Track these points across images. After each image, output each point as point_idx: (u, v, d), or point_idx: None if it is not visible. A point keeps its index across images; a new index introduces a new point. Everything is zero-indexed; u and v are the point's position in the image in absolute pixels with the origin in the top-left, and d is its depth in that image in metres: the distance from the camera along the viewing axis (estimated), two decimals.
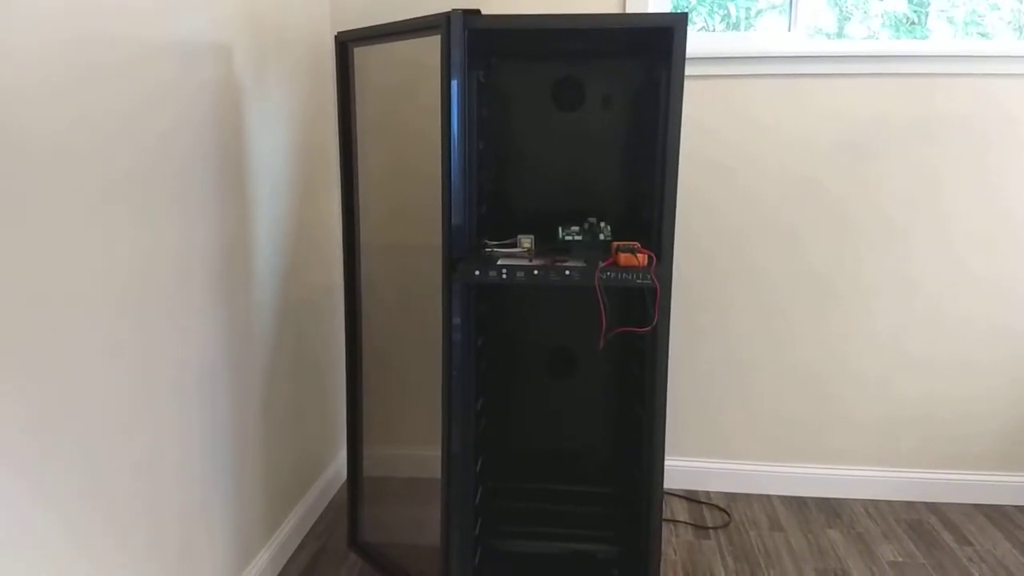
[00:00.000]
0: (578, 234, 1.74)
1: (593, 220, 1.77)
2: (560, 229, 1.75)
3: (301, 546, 2.40)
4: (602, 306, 1.58)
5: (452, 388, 1.73)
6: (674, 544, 2.42)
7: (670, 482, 2.79)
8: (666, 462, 2.72)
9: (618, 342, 2.04)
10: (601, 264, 1.59)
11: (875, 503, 2.70)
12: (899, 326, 2.62)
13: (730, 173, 2.57)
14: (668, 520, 2.57)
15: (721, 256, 2.63)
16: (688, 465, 2.78)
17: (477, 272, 1.59)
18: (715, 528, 2.53)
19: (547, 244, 1.79)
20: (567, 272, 1.58)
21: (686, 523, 2.56)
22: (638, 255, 1.56)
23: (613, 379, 2.12)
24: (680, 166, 2.51)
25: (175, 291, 1.63)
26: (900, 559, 2.34)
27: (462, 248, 1.69)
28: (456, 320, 1.70)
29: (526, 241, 1.79)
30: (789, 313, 2.65)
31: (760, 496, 2.75)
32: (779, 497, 2.74)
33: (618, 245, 1.62)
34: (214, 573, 1.86)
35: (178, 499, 1.69)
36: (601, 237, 1.73)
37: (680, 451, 2.78)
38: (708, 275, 2.65)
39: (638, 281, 1.56)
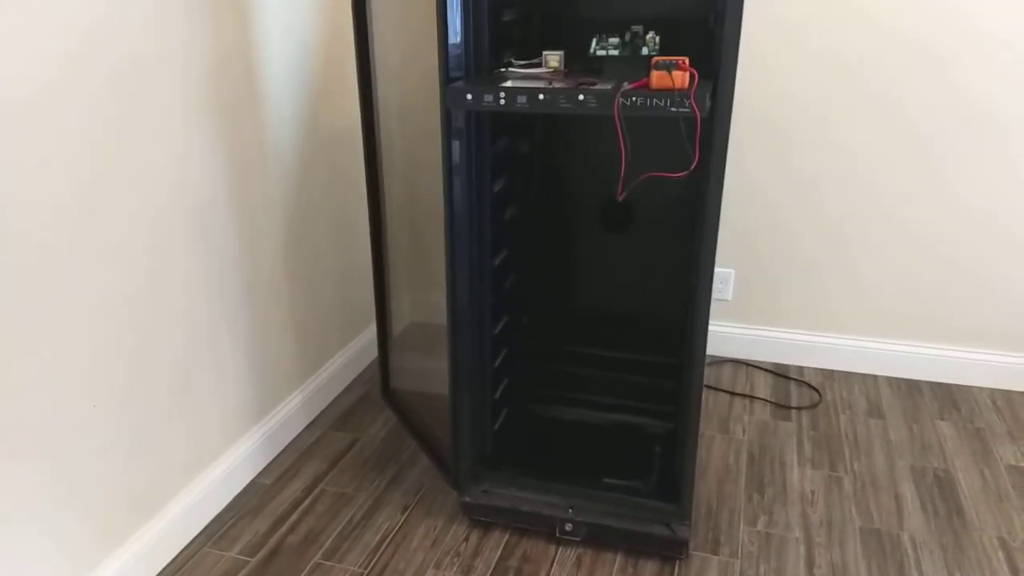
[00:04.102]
0: (615, 48, 1.36)
1: (638, 29, 1.38)
2: (594, 41, 1.38)
3: (348, 389, 2.32)
4: (622, 143, 1.23)
5: (454, 237, 1.46)
6: (745, 423, 2.13)
7: (757, 354, 2.46)
8: (754, 332, 2.39)
9: (685, 192, 1.68)
10: (627, 86, 1.22)
11: (1007, 394, 2.26)
12: None
13: None
14: (744, 395, 2.27)
15: (822, 85, 2.12)
16: (779, 336, 2.43)
17: (469, 96, 1.27)
18: (800, 408, 2.20)
19: (580, 62, 1.43)
20: (581, 97, 1.23)
21: (766, 400, 2.24)
22: (674, 74, 1.18)
23: (679, 236, 1.77)
24: None
25: (153, 108, 1.43)
26: (1023, 464, 1.95)
27: (466, 68, 1.37)
28: (455, 157, 1.41)
29: (553, 59, 1.44)
30: (913, 160, 2.14)
31: (864, 376, 2.37)
32: (887, 379, 2.36)
33: (657, 61, 1.24)
34: (223, 416, 1.78)
35: (179, 343, 1.57)
36: (644, 51, 1.34)
37: (770, 320, 2.42)
38: (804, 112, 2.16)
39: (672, 109, 1.19)
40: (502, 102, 1.26)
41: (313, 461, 1.98)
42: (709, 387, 2.31)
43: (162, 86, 1.46)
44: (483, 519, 1.72)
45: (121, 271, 1.42)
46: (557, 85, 1.30)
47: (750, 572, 1.60)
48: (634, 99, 1.20)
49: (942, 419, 2.14)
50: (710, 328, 2.42)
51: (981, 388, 2.29)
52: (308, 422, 2.13)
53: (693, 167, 1.24)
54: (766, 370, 2.42)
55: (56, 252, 1.28)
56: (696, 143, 1.20)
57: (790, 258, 2.33)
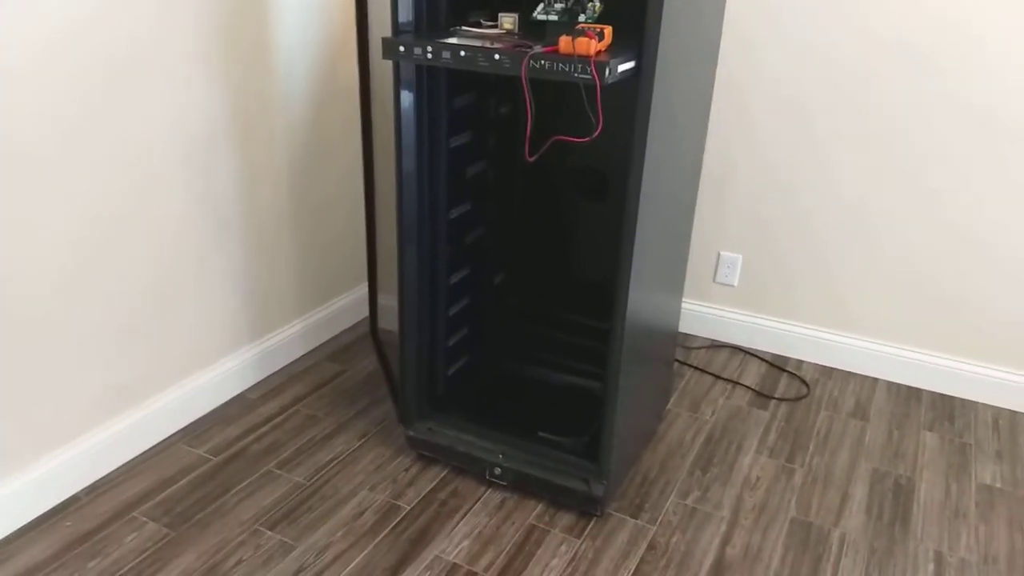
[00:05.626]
0: (557, 13, 1.40)
1: None
2: (540, 6, 1.43)
3: (355, 326, 2.47)
4: (528, 105, 1.29)
5: (402, 183, 1.57)
6: (718, 406, 2.14)
7: (759, 343, 2.43)
8: (758, 320, 2.37)
9: None
10: (538, 49, 1.28)
11: (1013, 415, 2.15)
12: None
13: None
14: (729, 381, 2.26)
15: (845, 67, 2.06)
16: (783, 328, 2.39)
17: (401, 48, 1.37)
18: (781, 399, 2.18)
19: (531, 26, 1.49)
20: (496, 57, 1.30)
21: (747, 387, 2.23)
22: (578, 40, 1.23)
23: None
24: None
25: (151, 53, 1.61)
26: (998, 484, 1.86)
27: (417, 25, 1.47)
28: (403, 107, 1.51)
29: (507, 20, 1.50)
30: (936, 149, 2.05)
31: (864, 378, 2.31)
32: (888, 383, 2.28)
33: (581, 27, 1.29)
34: (210, 331, 1.97)
35: (167, 258, 1.76)
36: (582, 17, 1.38)
37: (776, 310, 2.39)
38: (826, 94, 2.10)
39: (576, 75, 1.24)
40: (429, 56, 1.35)
41: (298, 385, 2.15)
42: (695, 368, 2.32)
43: (162, 35, 1.63)
44: (427, 454, 1.84)
45: (109, 187, 1.61)
46: (496, 45, 1.37)
47: (661, 539, 1.64)
48: (543, 62, 1.25)
49: (930, 430, 2.07)
50: (712, 312, 2.43)
51: (987, 405, 2.19)
52: (307, 350, 2.31)
53: (596, 133, 1.28)
54: (763, 360, 2.39)
55: (47, 167, 1.48)
56: (598, 110, 1.25)
57: (802, 249, 2.29)
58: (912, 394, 2.23)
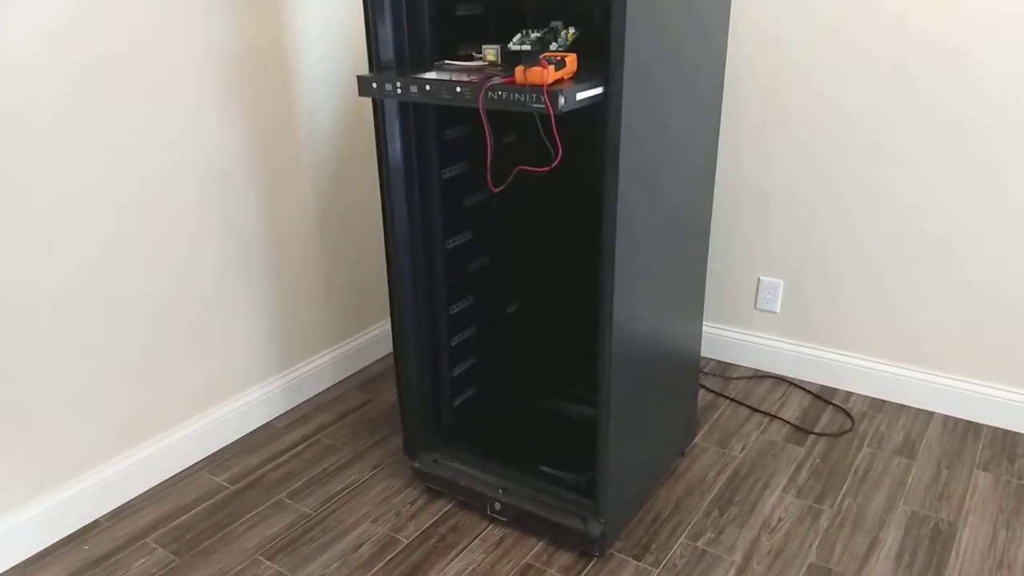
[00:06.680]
0: (531, 43, 1.38)
1: (557, 24, 1.39)
2: (518, 36, 1.41)
3: (388, 356, 2.50)
4: (487, 134, 1.27)
5: (394, 217, 1.58)
6: (750, 441, 2.03)
7: (805, 373, 2.30)
8: (801, 348, 2.25)
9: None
10: (496, 80, 1.26)
11: None
12: None
13: None
14: (766, 414, 2.14)
15: (887, 88, 1.94)
16: (830, 357, 2.25)
17: (374, 85, 1.38)
18: (820, 434, 2.05)
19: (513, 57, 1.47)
20: (458, 89, 1.29)
21: (785, 421, 2.11)
22: (530, 70, 1.21)
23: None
24: None
25: (155, 91, 1.69)
26: None
27: (399, 60, 1.48)
28: (388, 140, 1.52)
29: (490, 52, 1.49)
30: (1002, 160, 1.89)
31: (918, 411, 2.14)
32: (944, 417, 2.11)
33: (544, 56, 1.27)
34: (235, 361, 2.03)
35: (189, 290, 1.84)
36: (554, 46, 1.36)
37: (821, 337, 2.25)
38: (883, 111, 1.98)
39: (532, 104, 1.21)
40: (399, 91, 1.35)
41: (324, 414, 2.19)
42: (731, 399, 2.21)
43: (169, 71, 1.71)
44: (433, 487, 1.82)
45: (124, 206, 1.69)
46: (469, 78, 1.37)
47: None
48: (500, 93, 1.24)
49: (985, 469, 1.89)
50: (754, 340, 2.32)
51: None
52: (337, 380, 2.35)
53: (556, 163, 1.25)
54: (808, 391, 2.26)
55: (61, 184, 1.57)
56: (556, 139, 1.22)
57: (851, 271, 2.15)
58: (970, 429, 2.05)
